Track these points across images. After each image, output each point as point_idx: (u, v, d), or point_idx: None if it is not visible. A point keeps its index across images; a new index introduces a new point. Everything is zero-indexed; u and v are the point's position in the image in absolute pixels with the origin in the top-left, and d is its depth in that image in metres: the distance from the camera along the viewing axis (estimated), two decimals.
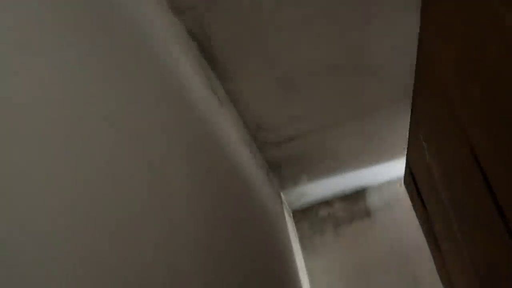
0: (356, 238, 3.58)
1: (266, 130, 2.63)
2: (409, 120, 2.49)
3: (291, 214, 3.84)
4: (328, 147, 3.01)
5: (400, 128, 2.98)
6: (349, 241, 3.59)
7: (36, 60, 0.64)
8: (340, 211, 3.72)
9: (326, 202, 3.80)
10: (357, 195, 3.76)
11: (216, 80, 2.03)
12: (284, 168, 3.23)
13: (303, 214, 3.82)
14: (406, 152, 2.18)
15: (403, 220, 3.52)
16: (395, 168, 3.51)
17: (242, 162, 1.99)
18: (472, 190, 0.99)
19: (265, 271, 1.70)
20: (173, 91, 1.25)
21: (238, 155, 1.96)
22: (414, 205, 1.97)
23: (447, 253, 1.47)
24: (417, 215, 1.97)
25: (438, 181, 1.30)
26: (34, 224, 0.52)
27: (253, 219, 1.80)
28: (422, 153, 1.41)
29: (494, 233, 0.93)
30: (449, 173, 1.15)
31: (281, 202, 3.38)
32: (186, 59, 1.56)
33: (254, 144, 2.71)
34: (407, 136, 2.31)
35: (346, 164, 3.38)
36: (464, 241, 1.20)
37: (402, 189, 3.65)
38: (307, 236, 3.70)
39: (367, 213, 3.65)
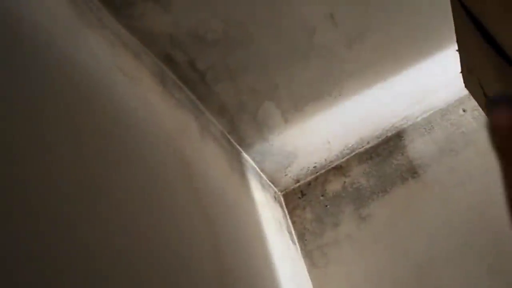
0: (398, 218, 1.93)
1: None
2: None
3: (282, 200, 2.24)
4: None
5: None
6: (386, 225, 1.94)
7: None
8: (361, 178, 2.08)
9: (337, 167, 2.17)
10: (389, 143, 2.12)
11: None
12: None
13: (301, 196, 2.20)
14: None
15: (473, 169, 1.86)
16: (448, 70, 1.83)
17: None
18: None
19: None
20: None
21: None
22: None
23: None
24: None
25: None
26: None
27: None
28: None
29: None
30: None
31: (249, 185, 1.86)
32: None
33: None
34: None
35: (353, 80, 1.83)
36: None
37: (465, 118, 2.01)
38: (311, 233, 2.07)
39: (411, 171, 2.00)
